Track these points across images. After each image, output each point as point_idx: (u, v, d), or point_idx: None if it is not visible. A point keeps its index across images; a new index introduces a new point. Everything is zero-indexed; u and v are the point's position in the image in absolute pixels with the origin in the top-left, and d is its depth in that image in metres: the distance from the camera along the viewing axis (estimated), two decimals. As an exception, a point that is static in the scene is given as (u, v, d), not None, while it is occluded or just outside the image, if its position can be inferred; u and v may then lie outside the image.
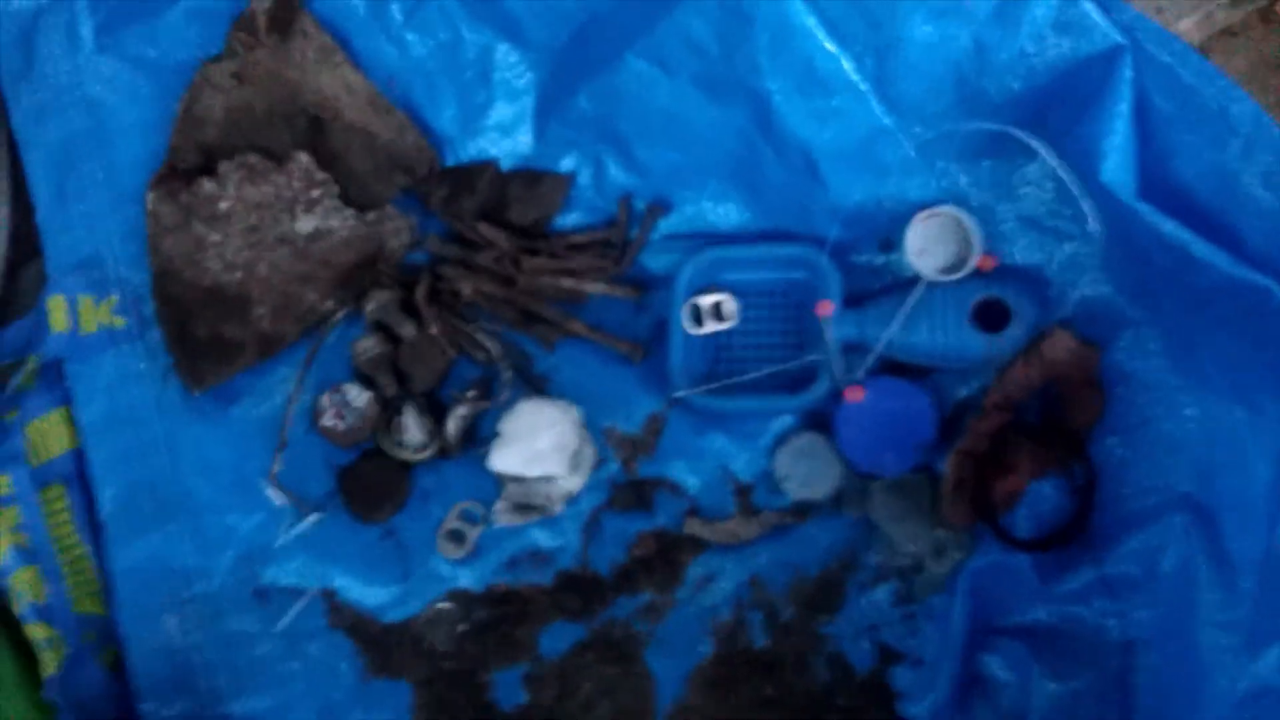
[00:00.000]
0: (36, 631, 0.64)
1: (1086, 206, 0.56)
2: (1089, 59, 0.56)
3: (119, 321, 0.69)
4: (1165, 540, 0.59)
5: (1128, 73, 0.55)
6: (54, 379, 0.69)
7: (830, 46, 0.58)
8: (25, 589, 0.64)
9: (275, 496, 0.66)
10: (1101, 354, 0.60)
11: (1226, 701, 0.53)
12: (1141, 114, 0.56)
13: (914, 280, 0.62)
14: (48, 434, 0.68)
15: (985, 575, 0.63)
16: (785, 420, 0.67)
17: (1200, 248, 0.53)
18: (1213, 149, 0.54)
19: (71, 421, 0.68)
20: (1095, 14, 0.55)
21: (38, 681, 0.64)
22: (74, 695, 0.64)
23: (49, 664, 0.64)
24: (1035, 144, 0.57)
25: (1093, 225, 0.57)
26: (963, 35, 0.57)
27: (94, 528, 0.68)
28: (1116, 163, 0.55)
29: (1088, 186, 0.56)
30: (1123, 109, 0.55)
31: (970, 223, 0.61)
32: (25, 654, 0.67)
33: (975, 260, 0.61)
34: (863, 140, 0.61)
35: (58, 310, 0.68)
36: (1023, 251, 0.63)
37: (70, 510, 0.67)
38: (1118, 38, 0.55)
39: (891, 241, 0.65)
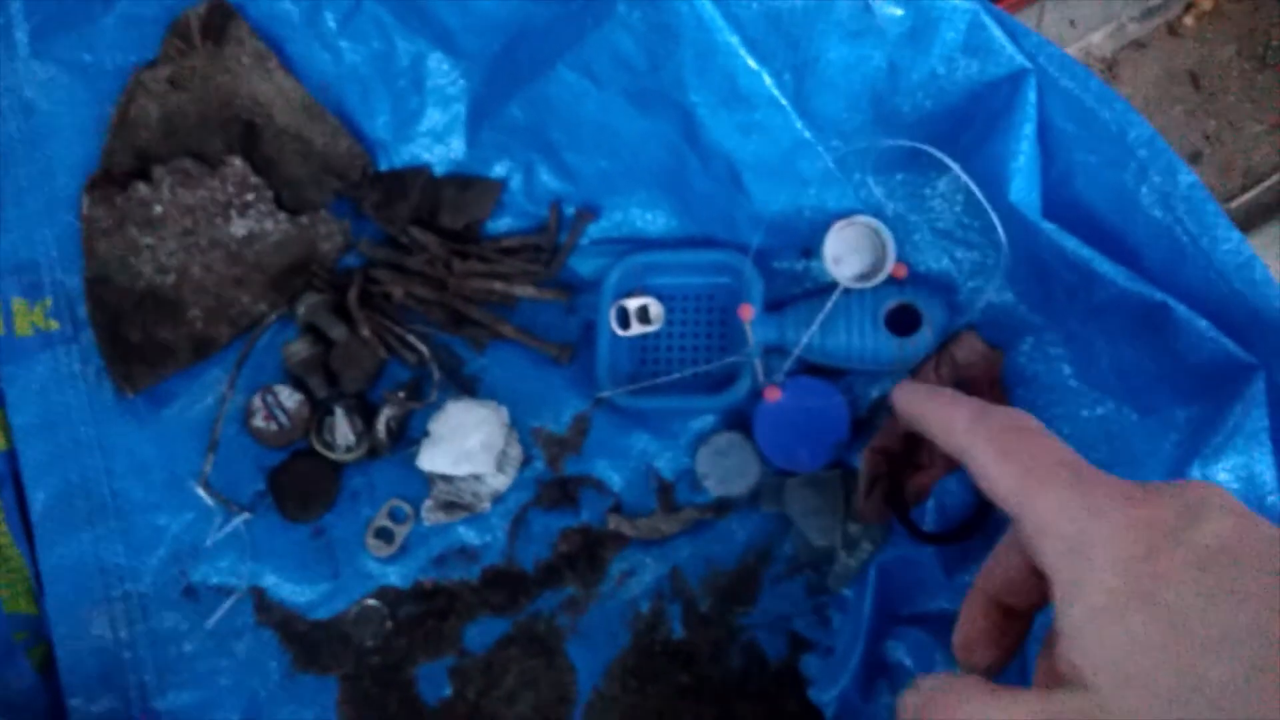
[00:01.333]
0: (-35, 630, 0.64)
1: (996, 220, 0.59)
2: (996, 81, 0.59)
3: (53, 324, 0.69)
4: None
5: (1032, 95, 0.58)
6: (-15, 380, 0.69)
7: (751, 63, 0.60)
8: (-46, 588, 0.65)
9: (205, 497, 0.67)
10: (1005, 357, 0.63)
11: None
12: (1045, 135, 0.59)
13: (832, 286, 0.65)
14: (-22, 434, 0.68)
15: (893, 567, 0.65)
16: (707, 420, 0.69)
17: (1100, 264, 0.56)
18: (1112, 169, 0.57)
19: (4, 423, 0.68)
20: (1001, 38, 0.58)
21: (-33, 680, 0.64)
22: (3, 694, 0.64)
23: (-23, 662, 0.64)
24: (947, 160, 0.60)
25: (1001, 238, 0.59)
26: (876, 55, 0.59)
27: (26, 528, 0.68)
28: (1022, 183, 0.58)
29: (995, 203, 0.59)
30: (1028, 130, 0.58)
31: (885, 232, 0.64)
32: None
33: (889, 268, 0.63)
34: (784, 153, 0.63)
35: (-11, 312, 0.68)
36: (933, 260, 0.65)
37: (2, 510, 0.68)
38: (1022, 61, 0.58)
39: (811, 249, 0.68)
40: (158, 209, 0.69)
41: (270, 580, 0.68)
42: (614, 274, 0.68)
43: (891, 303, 0.64)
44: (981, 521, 0.63)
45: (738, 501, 0.68)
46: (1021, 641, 0.38)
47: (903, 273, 0.64)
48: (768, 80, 0.61)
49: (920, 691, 0.33)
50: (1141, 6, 0.76)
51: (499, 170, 0.70)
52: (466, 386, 0.70)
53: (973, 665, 0.38)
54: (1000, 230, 0.60)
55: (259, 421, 0.68)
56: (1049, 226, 0.58)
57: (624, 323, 0.68)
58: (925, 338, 0.63)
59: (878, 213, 0.65)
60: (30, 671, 0.66)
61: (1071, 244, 0.57)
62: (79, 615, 0.66)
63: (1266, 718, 0.26)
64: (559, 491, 0.69)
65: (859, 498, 0.64)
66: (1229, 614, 0.27)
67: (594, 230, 0.70)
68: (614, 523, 0.68)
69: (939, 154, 0.60)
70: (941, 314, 0.64)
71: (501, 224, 0.71)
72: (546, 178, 0.69)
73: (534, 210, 0.71)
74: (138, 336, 0.69)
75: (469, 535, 0.68)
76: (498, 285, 0.70)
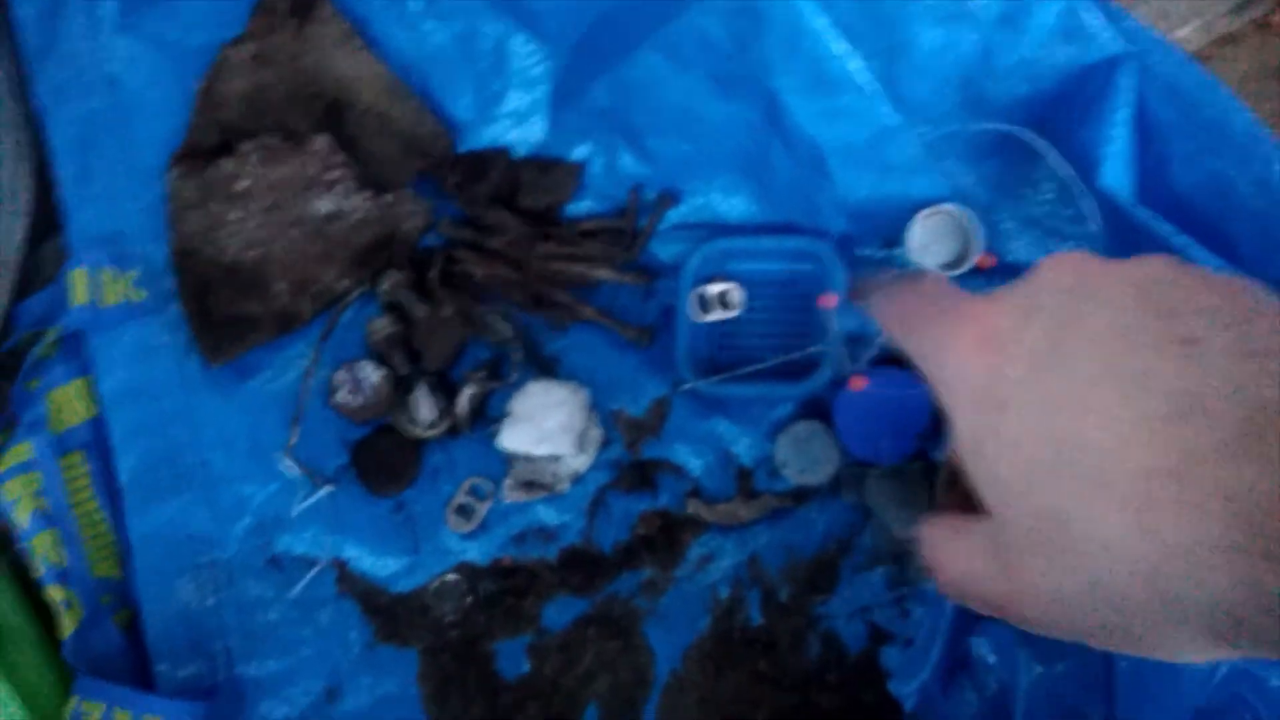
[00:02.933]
0: (55, 594, 0.66)
1: (1086, 207, 0.58)
2: (1091, 66, 0.58)
3: (139, 295, 0.70)
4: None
5: (1129, 80, 0.57)
6: (74, 349, 0.70)
7: (840, 47, 0.59)
8: (46, 552, 0.66)
9: (290, 468, 0.68)
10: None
11: (1207, 682, 0.55)
12: (1141, 121, 0.58)
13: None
14: (68, 403, 0.69)
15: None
16: (786, 407, 0.69)
17: (1195, 252, 0.55)
18: (1210, 156, 0.56)
19: (91, 391, 0.70)
20: (1098, 22, 0.57)
21: (56, 644, 0.66)
22: (89, 656, 0.65)
23: (67, 626, 0.65)
24: (1040, 145, 0.59)
25: (1093, 226, 0.58)
26: (969, 39, 0.59)
27: (111, 494, 0.69)
28: (1116, 168, 0.57)
29: (1088, 189, 0.58)
30: (1123, 115, 0.57)
31: (972, 221, 0.63)
32: (44, 618, 0.69)
33: (976, 257, 0.63)
34: (870, 138, 0.62)
35: (79, 283, 0.69)
36: (1022, 250, 0.64)
37: (90, 477, 0.69)
38: (1120, 46, 0.57)
39: (894, 238, 0.67)
40: (243, 184, 0.70)
41: (352, 552, 0.69)
42: (694, 259, 0.68)
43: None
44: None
45: (817, 490, 0.68)
46: None
47: (990, 263, 0.63)
48: (856, 64, 0.60)
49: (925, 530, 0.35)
50: (1232, 2, 0.74)
51: (580, 153, 0.70)
52: (546, 367, 0.70)
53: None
54: (1096, 215, 0.59)
55: (343, 396, 0.69)
56: (1144, 213, 0.57)
57: (704, 308, 0.68)
58: (1012, 327, 0.62)
59: (965, 201, 0.64)
60: (117, 634, 0.67)
61: (1166, 230, 0.56)
62: (166, 582, 0.68)
63: (1145, 465, 0.24)
64: (638, 474, 0.69)
65: (941, 491, 0.64)
66: (1062, 430, 0.26)
67: (674, 215, 0.70)
68: (693, 507, 0.68)
69: (1033, 138, 0.59)
70: (1029, 304, 0.63)
71: (581, 206, 0.71)
72: (627, 161, 0.69)
73: (614, 194, 0.71)
74: (223, 309, 0.70)
75: (548, 515, 0.69)
76: (578, 267, 0.70)
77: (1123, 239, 0.60)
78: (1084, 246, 0.63)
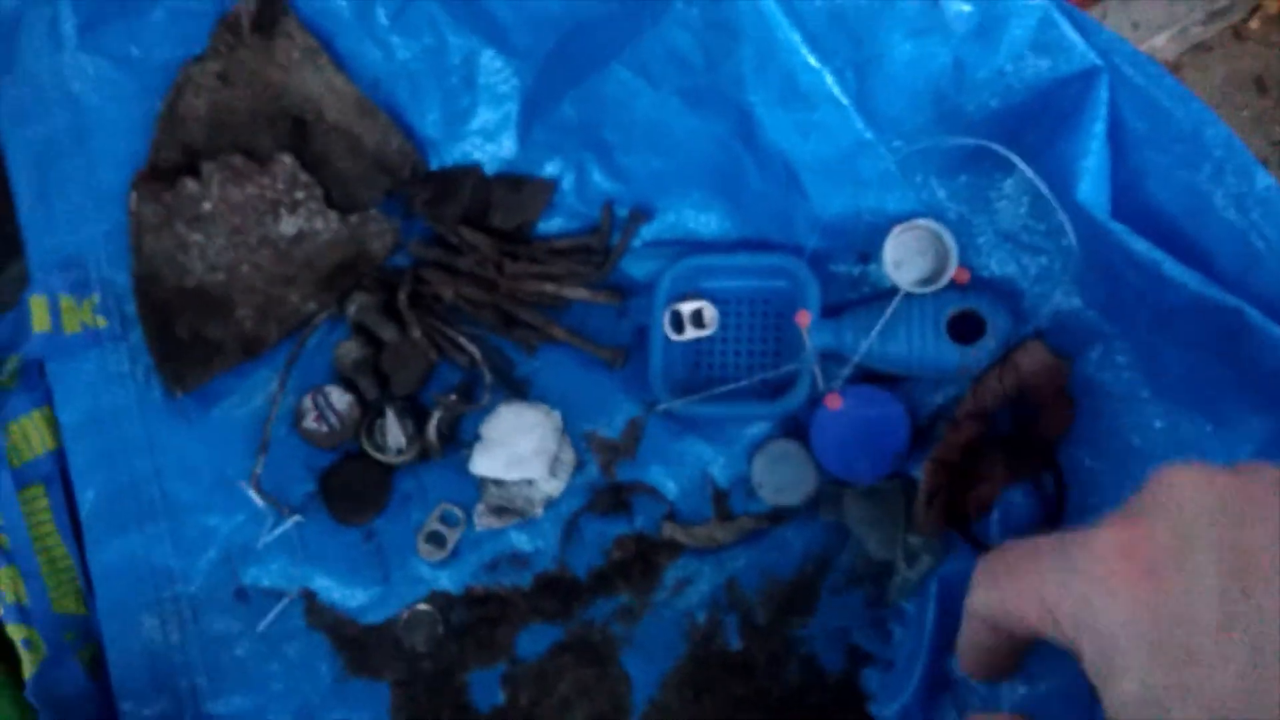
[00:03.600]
0: (16, 633, 0.64)
1: (1065, 221, 0.57)
2: (1066, 79, 0.57)
3: (100, 321, 0.69)
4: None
5: (1104, 94, 0.56)
6: (34, 379, 0.69)
7: (813, 61, 0.58)
8: (5, 589, 0.64)
9: (256, 498, 0.67)
10: (1072, 366, 0.62)
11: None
12: (1116, 134, 0.57)
13: (891, 291, 0.63)
14: (28, 434, 0.68)
15: (956, 580, 0.64)
16: (762, 426, 0.68)
17: (1171, 267, 0.54)
18: (1185, 170, 0.55)
19: (52, 422, 0.68)
20: (1073, 35, 0.56)
21: (19, 685, 0.64)
22: (53, 696, 0.64)
23: (29, 666, 0.64)
24: (1015, 159, 0.58)
25: (1070, 240, 0.58)
26: (942, 53, 0.58)
27: (74, 528, 0.68)
28: (1091, 182, 0.56)
29: (1063, 204, 0.58)
30: (1098, 129, 0.56)
31: (947, 236, 0.62)
32: (5, 657, 0.67)
33: (951, 273, 0.62)
34: (843, 153, 0.61)
35: (39, 309, 0.67)
36: (997, 264, 0.64)
37: (50, 510, 0.68)
38: (1094, 59, 0.56)
39: (869, 253, 0.66)
40: (206, 206, 0.69)
41: (321, 583, 0.67)
42: (667, 277, 0.67)
43: (954, 309, 0.62)
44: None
45: (794, 511, 0.67)
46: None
47: (965, 278, 0.62)
48: (829, 79, 0.60)
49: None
50: (1206, 9, 0.73)
51: (550, 170, 0.69)
52: (518, 389, 0.69)
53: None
54: (1070, 232, 0.58)
55: (310, 423, 0.67)
56: (1118, 228, 0.56)
57: (678, 327, 0.67)
58: (989, 345, 0.62)
59: (939, 216, 0.63)
60: (80, 672, 0.65)
61: (1142, 246, 0.55)
62: (129, 617, 0.66)
63: None
64: (612, 498, 0.68)
65: (919, 510, 0.63)
66: (1271, 696, 0.24)
67: (646, 232, 0.69)
68: (668, 530, 0.67)
69: (1007, 152, 0.59)
70: (1006, 321, 0.62)
71: (553, 224, 0.70)
72: (599, 178, 0.68)
73: (586, 211, 0.70)
74: (186, 335, 0.69)
75: (521, 541, 0.68)
76: (549, 287, 0.69)
77: (1098, 254, 0.59)
78: (1058, 261, 0.62)
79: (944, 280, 0.62)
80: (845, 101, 0.60)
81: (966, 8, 0.57)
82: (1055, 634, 0.28)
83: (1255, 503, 0.26)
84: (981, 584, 0.31)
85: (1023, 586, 0.29)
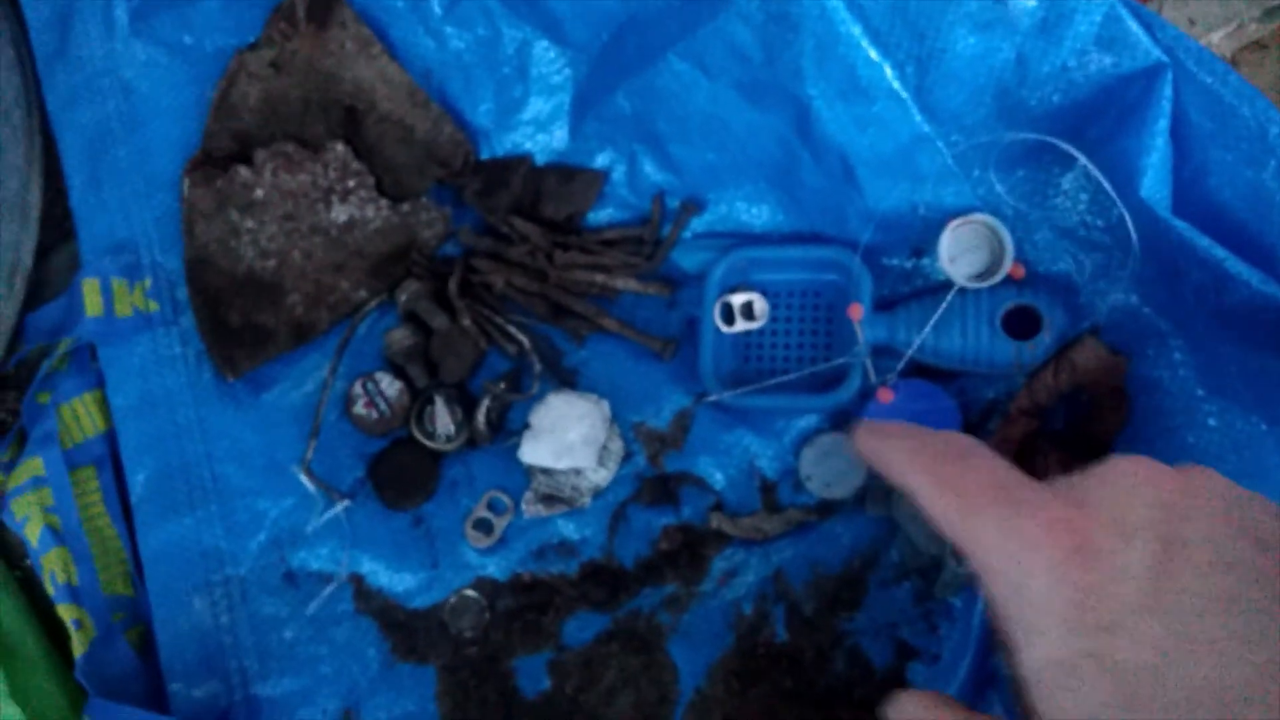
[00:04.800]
0: (66, 613, 0.64)
1: (1127, 217, 0.57)
2: (1130, 75, 0.57)
3: (152, 306, 0.69)
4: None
5: (1168, 90, 0.56)
6: (86, 362, 0.69)
7: (874, 55, 0.58)
8: (56, 570, 0.65)
9: (307, 483, 0.67)
10: (1128, 364, 0.62)
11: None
12: (1179, 131, 0.57)
13: (945, 286, 0.63)
14: (80, 416, 0.68)
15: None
16: (811, 419, 0.68)
17: (1234, 265, 0.54)
18: (1249, 168, 0.55)
19: (103, 404, 0.68)
20: (1138, 31, 0.56)
21: (69, 665, 0.64)
22: (102, 676, 0.64)
23: (79, 646, 0.64)
24: (1078, 155, 0.58)
25: (1131, 237, 0.57)
26: (1005, 47, 0.58)
27: (124, 510, 0.68)
28: (1154, 179, 0.56)
29: (1124, 200, 0.57)
30: (1162, 125, 0.56)
31: (1003, 231, 0.62)
32: (55, 638, 0.67)
33: (1007, 268, 0.62)
34: (901, 147, 0.61)
35: (92, 293, 0.68)
36: (1053, 260, 0.63)
37: (101, 492, 0.68)
38: (1159, 55, 0.56)
39: (922, 248, 0.66)
40: (259, 193, 0.69)
41: (369, 568, 0.67)
42: (719, 269, 0.67)
43: (1009, 304, 0.62)
44: (1099, 530, 0.62)
45: (842, 504, 0.67)
46: None
47: (1021, 273, 0.62)
48: (889, 72, 0.59)
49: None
50: (1262, 6, 0.73)
51: (602, 161, 0.69)
52: (566, 379, 0.69)
53: None
54: (1131, 228, 0.58)
55: (360, 409, 0.68)
56: (1181, 224, 0.56)
57: (728, 319, 0.67)
58: (1044, 341, 0.62)
59: (995, 211, 0.63)
60: (130, 653, 0.66)
61: (1204, 243, 0.55)
62: (180, 598, 0.66)
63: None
64: (660, 488, 0.68)
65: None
66: (1186, 674, 0.25)
67: (697, 224, 0.69)
68: (716, 521, 0.67)
69: (1069, 148, 0.58)
70: (1062, 317, 0.62)
71: (603, 215, 0.70)
72: (650, 169, 0.68)
73: (636, 202, 0.70)
74: (237, 320, 0.69)
75: (568, 529, 0.68)
76: (599, 277, 0.69)
77: (1158, 251, 0.59)
78: (1116, 258, 0.62)
79: (999, 275, 0.62)
80: (905, 95, 0.60)
81: (1031, 2, 0.57)
82: (981, 575, 0.29)
83: (1193, 502, 0.27)
84: (940, 485, 0.30)
85: (972, 520, 0.29)
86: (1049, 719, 0.26)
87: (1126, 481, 0.28)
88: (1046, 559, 0.27)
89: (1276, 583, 0.25)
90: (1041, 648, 0.27)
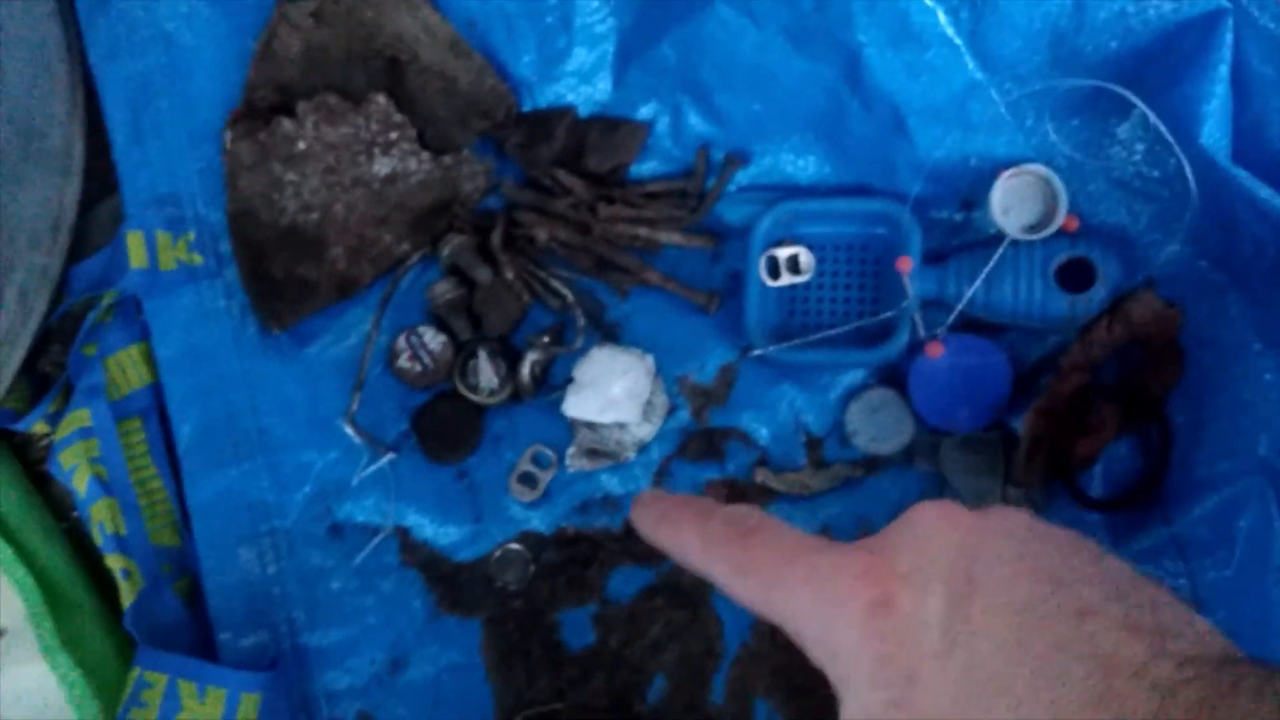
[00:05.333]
0: (114, 563, 0.65)
1: (1186, 166, 0.56)
2: (1189, 21, 0.56)
3: (196, 259, 0.69)
4: (1240, 504, 0.59)
5: (1228, 36, 0.55)
6: (131, 314, 0.69)
7: (927, 0, 0.57)
8: (104, 520, 0.65)
9: (353, 434, 0.67)
10: (1183, 317, 0.61)
11: None
12: (1239, 78, 0.56)
13: (996, 239, 0.62)
14: (126, 369, 0.68)
15: (1055, 534, 0.63)
16: (857, 374, 0.67)
17: (1294, 214, 0.53)
18: (1313, 115, 0.53)
19: (149, 357, 0.69)
20: (1200, -26, 0.55)
21: (117, 614, 0.65)
22: (150, 626, 0.65)
23: (127, 596, 0.64)
24: (1136, 101, 0.57)
25: (1191, 186, 0.56)
26: (1063, -9, 0.57)
27: (170, 461, 0.68)
28: (1214, 126, 0.55)
29: (1183, 149, 0.56)
30: (1222, 72, 0.55)
31: (1057, 182, 0.61)
32: (103, 587, 0.68)
33: (1061, 220, 0.61)
34: (953, 95, 0.60)
35: (136, 245, 0.68)
36: (1108, 212, 0.62)
37: (147, 444, 0.68)
38: (1221, 0, 0.55)
39: (973, 200, 0.65)
40: (301, 145, 0.69)
41: (414, 520, 0.68)
42: (764, 221, 0.66)
43: (1063, 256, 0.61)
44: (1153, 488, 0.61)
45: (888, 460, 0.66)
46: None
47: (1075, 225, 0.61)
48: (943, 18, 0.58)
49: None
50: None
51: (645, 113, 0.68)
52: (609, 333, 0.69)
53: None
54: (1190, 177, 0.57)
55: (403, 362, 0.67)
56: (1241, 173, 0.55)
57: (773, 273, 0.66)
58: (1098, 294, 0.61)
59: (1048, 161, 0.62)
60: (177, 603, 0.66)
61: (1265, 194, 0.54)
62: (227, 550, 0.67)
63: None
64: (704, 443, 0.68)
65: (1020, 461, 0.62)
66: (983, 714, 0.25)
67: (742, 176, 0.68)
68: (760, 476, 0.67)
69: (1127, 94, 0.57)
70: (1116, 270, 0.61)
71: (646, 168, 0.69)
72: (695, 121, 0.67)
73: (680, 155, 0.69)
74: (280, 274, 0.69)
75: (612, 484, 0.68)
76: (643, 231, 0.68)
77: (1216, 201, 0.57)
78: (1172, 209, 0.61)
79: (1053, 227, 0.61)
80: (958, 42, 0.59)
81: (1090, -55, 0.55)
82: (801, 644, 0.30)
83: (990, 542, 0.27)
84: (738, 569, 0.31)
85: (776, 593, 0.30)
86: None
87: (924, 529, 0.28)
88: (850, 615, 0.27)
89: (1068, 621, 0.25)
90: (852, 703, 0.27)
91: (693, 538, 0.33)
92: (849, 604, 0.28)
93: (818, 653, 0.29)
